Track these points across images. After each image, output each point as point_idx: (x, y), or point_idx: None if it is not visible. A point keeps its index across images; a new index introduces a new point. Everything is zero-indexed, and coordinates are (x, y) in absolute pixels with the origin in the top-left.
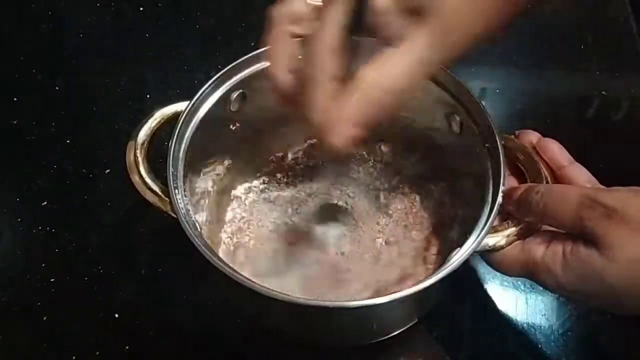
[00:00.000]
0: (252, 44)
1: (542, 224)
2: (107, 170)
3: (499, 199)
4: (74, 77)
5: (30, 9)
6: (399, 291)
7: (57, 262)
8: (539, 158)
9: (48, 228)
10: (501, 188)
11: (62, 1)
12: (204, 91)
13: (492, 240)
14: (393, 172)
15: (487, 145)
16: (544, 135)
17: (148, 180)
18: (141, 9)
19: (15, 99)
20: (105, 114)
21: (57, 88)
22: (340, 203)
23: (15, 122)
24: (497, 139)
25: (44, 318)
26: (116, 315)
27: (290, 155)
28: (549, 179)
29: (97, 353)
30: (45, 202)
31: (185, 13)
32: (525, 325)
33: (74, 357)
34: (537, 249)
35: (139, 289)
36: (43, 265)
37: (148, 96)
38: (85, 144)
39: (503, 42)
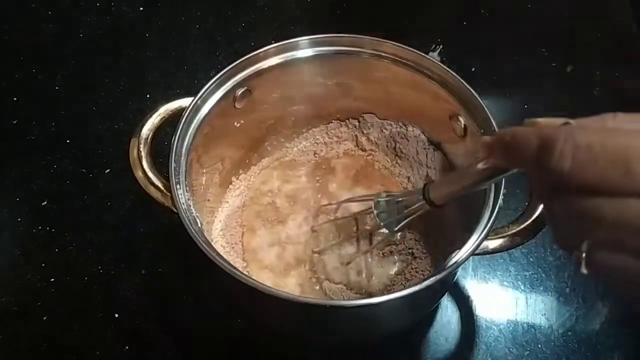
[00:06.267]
0: (252, 44)
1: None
2: (107, 170)
3: (500, 202)
4: (74, 77)
5: (30, 9)
6: (398, 291)
7: (57, 262)
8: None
9: (48, 228)
10: (502, 191)
11: (62, 1)
12: (208, 87)
13: (492, 243)
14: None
15: None
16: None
17: (151, 175)
18: (141, 9)
19: (15, 99)
20: (105, 113)
21: (57, 88)
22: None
23: (15, 122)
24: None
25: (44, 318)
26: (116, 315)
27: (291, 152)
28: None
29: (97, 353)
30: (45, 202)
31: (185, 13)
32: (525, 325)
33: (74, 357)
34: None
35: (139, 289)
36: (43, 265)
37: (148, 96)
38: (85, 144)
39: (503, 42)
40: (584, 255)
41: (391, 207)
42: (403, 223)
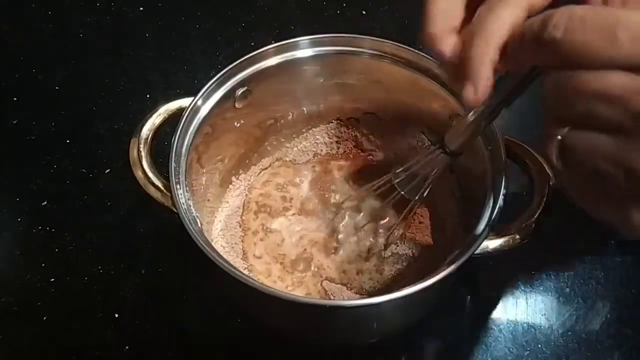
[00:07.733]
0: (252, 44)
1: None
2: (107, 170)
3: (500, 202)
4: (74, 77)
5: (30, 9)
6: (398, 291)
7: (57, 262)
8: (542, 160)
9: (48, 228)
10: (502, 191)
11: (62, 1)
12: (208, 87)
13: (492, 243)
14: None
15: (489, 147)
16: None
17: (151, 175)
18: (141, 9)
19: (15, 99)
20: (105, 113)
21: (57, 88)
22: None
23: (15, 122)
24: (500, 141)
25: (44, 318)
26: (116, 315)
27: (291, 152)
28: (553, 179)
29: (97, 353)
30: (45, 202)
31: (185, 13)
32: (525, 325)
33: (74, 357)
34: None
35: (139, 289)
36: (43, 265)
37: (148, 96)
38: (85, 144)
39: None
40: (559, 138)
41: (409, 174)
42: (424, 188)
